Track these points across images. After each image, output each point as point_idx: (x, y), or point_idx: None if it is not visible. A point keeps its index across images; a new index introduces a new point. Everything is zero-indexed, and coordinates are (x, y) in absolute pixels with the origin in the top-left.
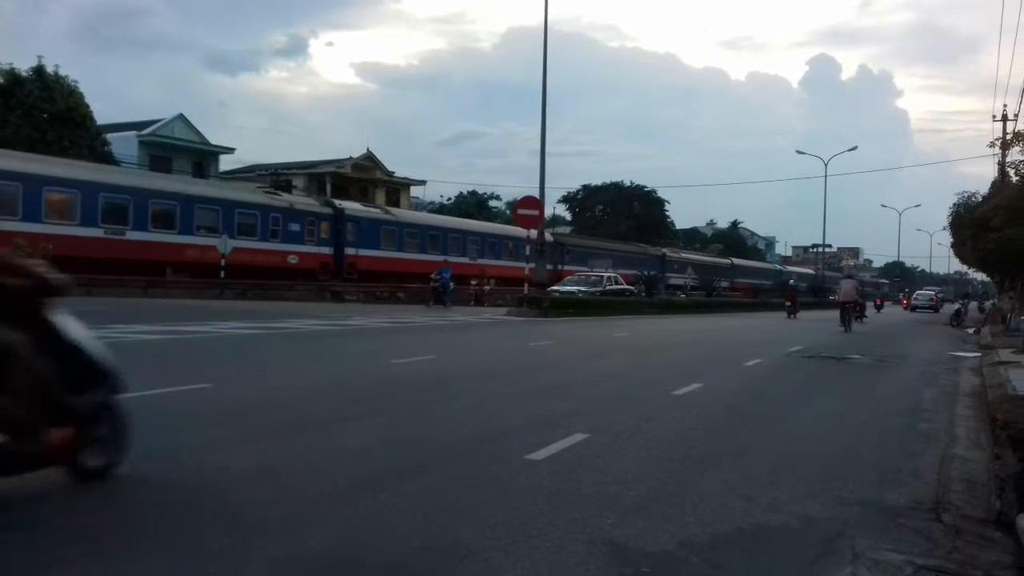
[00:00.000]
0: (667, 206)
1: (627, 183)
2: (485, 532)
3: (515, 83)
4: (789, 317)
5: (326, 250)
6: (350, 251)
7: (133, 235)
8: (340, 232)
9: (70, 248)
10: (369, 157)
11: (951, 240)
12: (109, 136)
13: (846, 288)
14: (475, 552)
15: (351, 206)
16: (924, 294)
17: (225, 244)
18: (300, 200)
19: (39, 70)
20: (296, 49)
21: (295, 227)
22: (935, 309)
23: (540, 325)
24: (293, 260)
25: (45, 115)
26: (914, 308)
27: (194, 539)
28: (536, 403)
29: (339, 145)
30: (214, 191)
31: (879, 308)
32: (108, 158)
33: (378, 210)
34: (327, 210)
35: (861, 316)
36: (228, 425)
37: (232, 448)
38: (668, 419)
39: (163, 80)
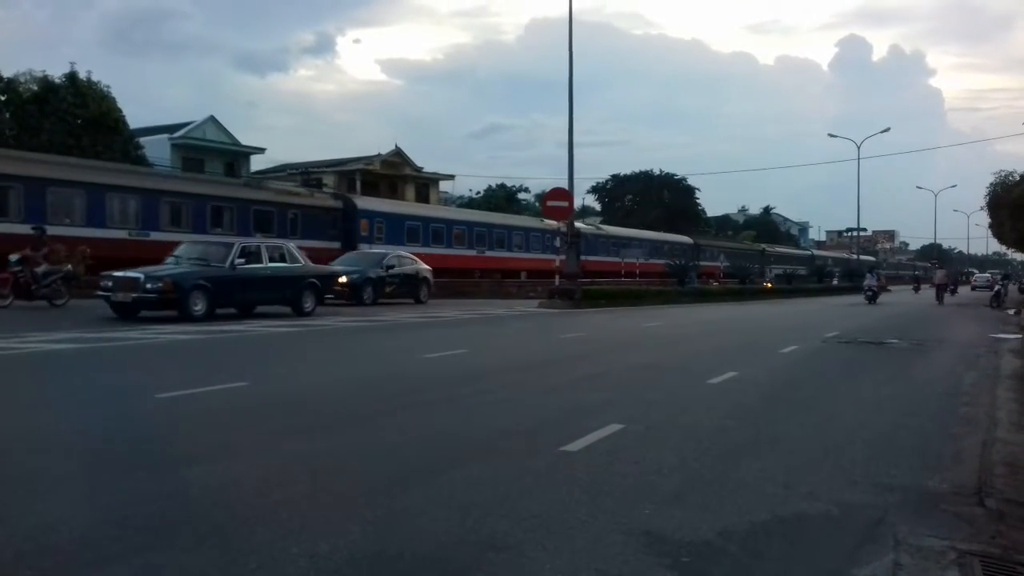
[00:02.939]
0: (698, 194)
1: (656, 172)
2: (521, 524)
3: (541, 75)
4: (915, 291)
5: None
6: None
7: (489, 253)
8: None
9: (462, 262)
10: (398, 153)
11: (989, 220)
12: (142, 140)
13: (939, 275)
14: (512, 545)
15: (582, 227)
16: (982, 276)
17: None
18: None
19: (72, 76)
20: (323, 47)
21: (556, 242)
22: (991, 288)
23: (572, 317)
24: (556, 264)
25: (79, 121)
26: (974, 288)
27: (236, 535)
28: (570, 395)
29: (367, 142)
30: (519, 221)
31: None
32: (142, 162)
33: (592, 227)
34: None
35: (954, 291)
36: (265, 423)
37: (269, 445)
38: (704, 408)
39: (193, 82)
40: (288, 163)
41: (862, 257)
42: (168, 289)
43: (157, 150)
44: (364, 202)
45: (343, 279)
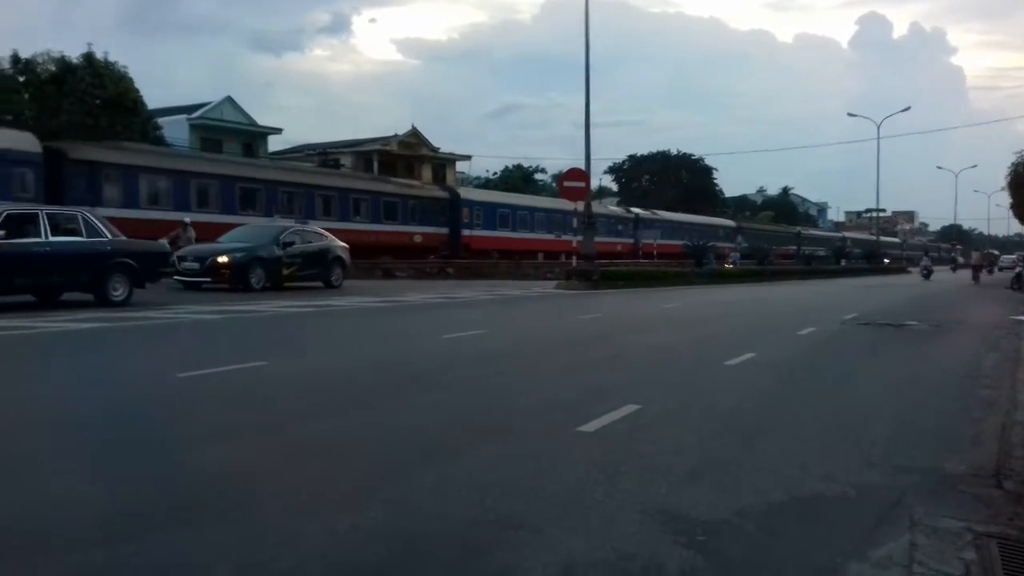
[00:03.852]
0: (715, 174)
1: (674, 152)
2: (538, 503)
3: (557, 54)
4: (953, 271)
5: (630, 240)
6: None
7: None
8: (636, 228)
9: (544, 245)
10: (415, 133)
11: (1010, 201)
12: (160, 120)
13: (976, 256)
14: (529, 523)
15: (643, 212)
16: (1008, 257)
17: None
18: (612, 210)
19: (89, 57)
20: (339, 27)
21: (620, 227)
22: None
23: (589, 298)
24: (574, 244)
25: (97, 101)
26: (1000, 268)
27: (254, 514)
28: (587, 376)
29: (384, 122)
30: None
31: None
32: (160, 142)
33: (649, 213)
34: (631, 215)
35: (991, 271)
36: (284, 403)
37: (288, 425)
38: (720, 389)
39: (209, 62)
40: (306, 144)
41: (882, 238)
42: None
43: (175, 131)
44: (466, 192)
45: (223, 259)
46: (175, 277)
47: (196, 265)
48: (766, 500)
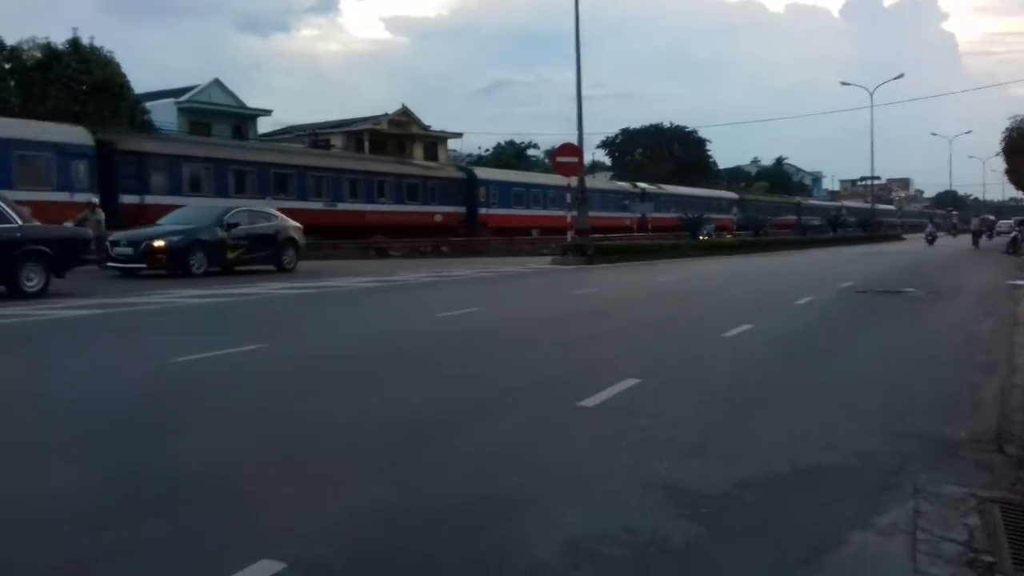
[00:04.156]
0: (708, 146)
1: (667, 124)
2: (540, 480)
3: (547, 29)
4: (954, 236)
5: (637, 215)
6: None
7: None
8: (643, 202)
9: (557, 222)
10: (405, 112)
11: (1005, 166)
12: (148, 104)
13: (975, 223)
14: (531, 500)
15: (648, 187)
16: (1005, 222)
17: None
18: (619, 185)
19: (75, 43)
20: (327, 6)
21: (627, 202)
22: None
23: (585, 272)
24: (568, 219)
25: (84, 87)
26: (998, 233)
27: (253, 496)
28: (585, 351)
29: (374, 101)
30: (601, 185)
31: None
32: (148, 127)
33: (655, 187)
34: (638, 190)
35: (991, 236)
36: (284, 384)
37: (288, 407)
38: (719, 361)
39: (196, 45)
40: (295, 124)
41: (878, 206)
42: None
43: (163, 115)
44: (482, 172)
45: (158, 243)
46: (109, 264)
47: (130, 250)
48: (768, 471)
